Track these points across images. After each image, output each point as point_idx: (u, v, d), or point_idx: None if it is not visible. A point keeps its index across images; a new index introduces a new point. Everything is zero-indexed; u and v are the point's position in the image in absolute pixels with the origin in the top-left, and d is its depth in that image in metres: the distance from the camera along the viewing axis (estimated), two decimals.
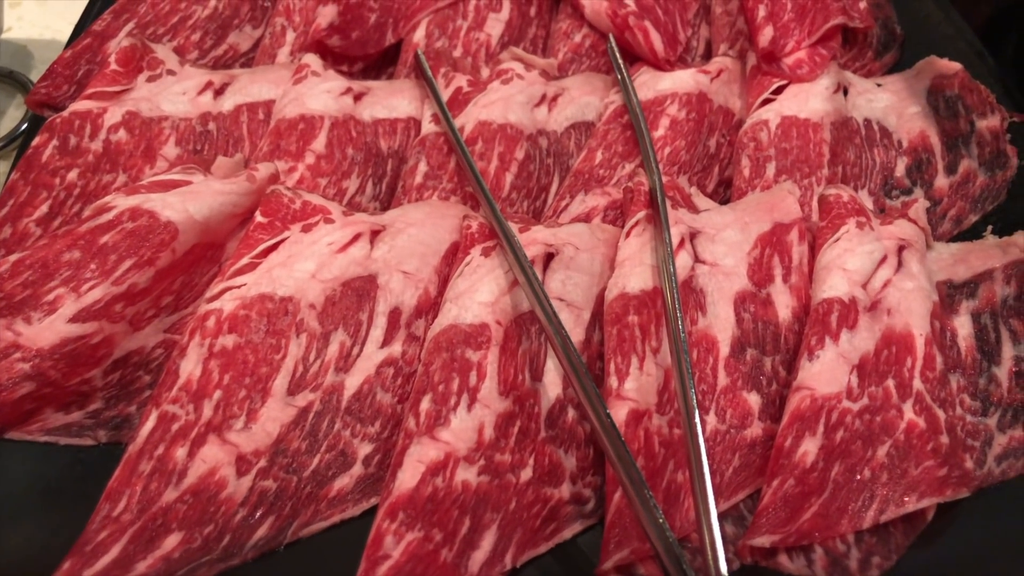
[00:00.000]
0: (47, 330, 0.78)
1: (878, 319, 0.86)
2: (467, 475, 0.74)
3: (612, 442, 0.70)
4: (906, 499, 0.75)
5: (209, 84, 1.09)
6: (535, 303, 0.82)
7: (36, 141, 0.96)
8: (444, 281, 0.91)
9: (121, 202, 0.86)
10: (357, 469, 0.79)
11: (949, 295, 0.93)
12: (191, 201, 0.87)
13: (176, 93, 1.07)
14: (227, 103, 1.08)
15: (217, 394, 0.79)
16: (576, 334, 0.87)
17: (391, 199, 1.04)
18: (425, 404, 0.77)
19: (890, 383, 0.82)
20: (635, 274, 0.87)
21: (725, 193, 1.08)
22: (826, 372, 0.80)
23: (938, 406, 0.82)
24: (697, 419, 0.72)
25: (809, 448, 0.76)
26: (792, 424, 0.78)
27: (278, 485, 0.77)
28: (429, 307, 0.89)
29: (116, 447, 0.80)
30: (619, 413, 0.77)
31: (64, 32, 1.33)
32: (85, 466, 0.79)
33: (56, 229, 0.91)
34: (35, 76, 1.25)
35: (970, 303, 0.92)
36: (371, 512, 0.76)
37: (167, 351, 0.86)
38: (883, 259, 0.90)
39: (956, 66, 1.13)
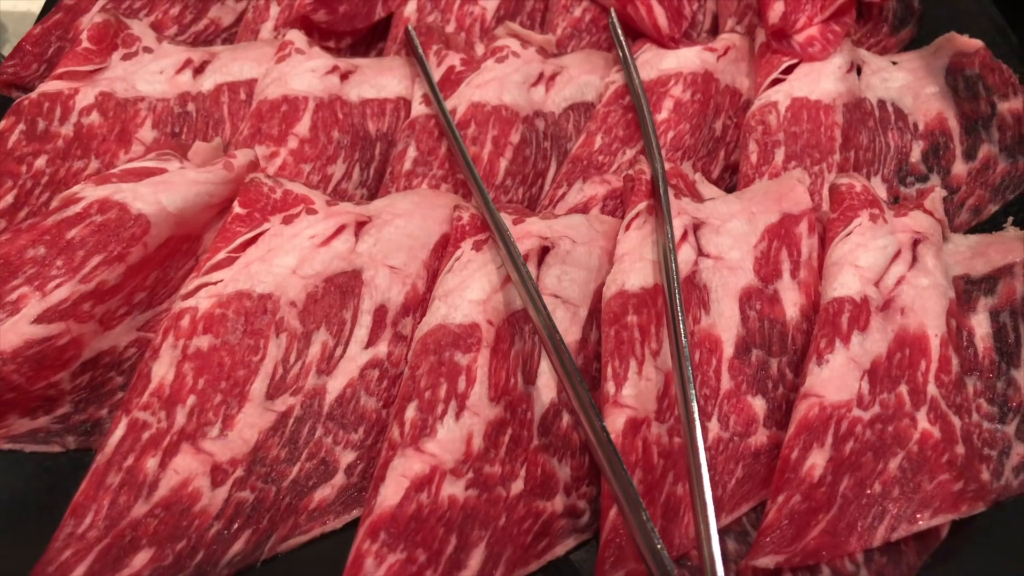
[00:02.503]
0: (10, 332, 0.73)
1: (891, 319, 0.81)
2: (454, 489, 0.70)
3: (608, 457, 0.66)
4: (919, 516, 0.71)
5: (188, 62, 1.03)
6: (528, 304, 0.77)
7: (1, 125, 0.91)
8: (433, 276, 0.86)
9: (90, 193, 0.81)
10: (339, 479, 0.75)
11: (966, 291, 0.88)
12: (164, 192, 0.82)
13: (153, 72, 1.01)
14: (207, 82, 1.02)
15: (191, 399, 0.75)
16: (572, 333, 0.82)
17: (379, 185, 0.99)
18: (410, 412, 0.72)
19: (903, 389, 0.77)
20: (635, 270, 0.82)
21: (731, 179, 1.02)
22: (836, 378, 0.76)
23: (953, 413, 0.78)
24: (699, 432, 0.67)
25: (817, 461, 0.72)
26: (799, 434, 0.73)
27: (255, 496, 0.73)
28: (417, 304, 0.84)
29: (86, 454, 0.76)
30: (616, 422, 0.73)
31: (37, 3, 1.27)
32: (52, 475, 0.75)
33: (21, 221, 0.87)
34: (7, 51, 1.20)
35: (988, 300, 0.87)
36: (353, 525, 0.72)
37: (140, 350, 0.82)
38: (897, 254, 0.85)
39: (977, 43, 1.07)
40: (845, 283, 0.82)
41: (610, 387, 0.75)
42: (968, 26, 1.09)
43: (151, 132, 0.98)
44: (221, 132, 1.00)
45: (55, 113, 0.93)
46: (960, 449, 0.75)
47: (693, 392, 0.70)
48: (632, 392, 0.75)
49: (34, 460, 0.75)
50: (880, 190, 0.99)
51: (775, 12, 1.05)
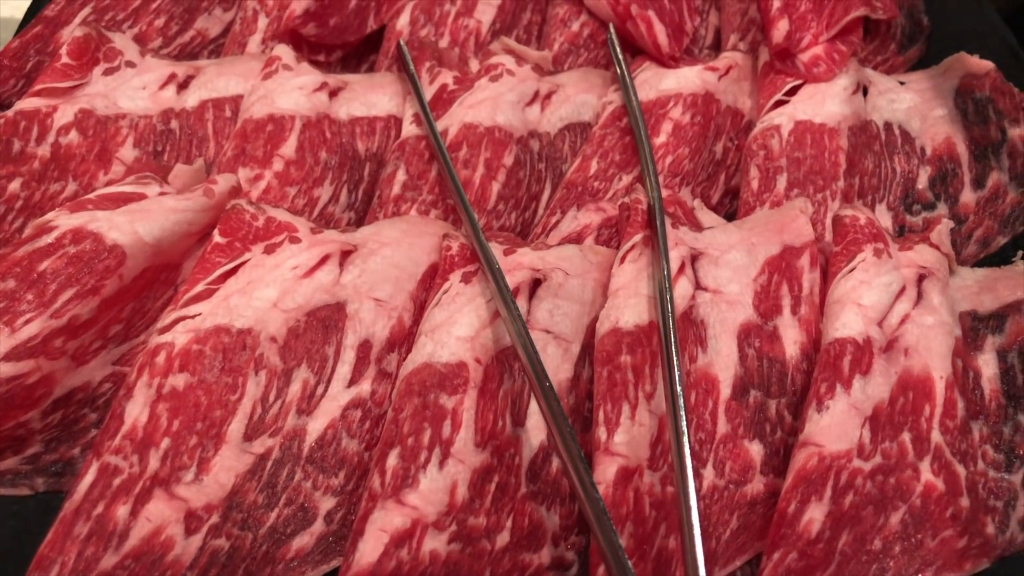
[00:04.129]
0: None
1: (894, 361, 0.78)
2: (436, 544, 0.67)
3: (596, 514, 0.62)
4: (920, 575, 0.68)
5: (172, 77, 1.00)
6: (518, 346, 0.74)
7: None
8: (420, 308, 0.83)
9: (64, 221, 0.78)
10: (318, 526, 0.72)
11: (973, 328, 0.85)
12: (141, 221, 0.79)
13: (135, 88, 0.98)
14: (191, 99, 0.99)
15: (165, 442, 0.72)
16: (563, 371, 0.79)
17: (367, 207, 0.96)
18: (392, 460, 0.69)
19: (906, 437, 0.74)
20: (629, 306, 0.79)
21: (732, 204, 0.99)
22: (836, 426, 0.73)
23: (958, 461, 0.75)
24: (691, 487, 0.64)
25: (815, 515, 0.69)
26: (797, 486, 0.70)
27: (231, 544, 0.70)
28: (403, 339, 0.81)
29: (55, 496, 0.73)
30: (607, 471, 0.70)
31: (21, 8, 1.23)
32: (19, 520, 0.72)
33: None
34: None
35: (996, 339, 0.84)
36: (332, 575, 0.70)
37: (115, 385, 0.79)
38: (901, 291, 0.82)
39: (988, 65, 1.03)
40: (847, 323, 0.79)
41: (602, 433, 0.72)
42: (979, 46, 1.06)
43: (132, 151, 0.94)
44: (205, 150, 0.97)
45: (32, 132, 0.90)
46: (964, 502, 0.72)
47: (687, 447, 0.67)
48: (624, 439, 0.72)
49: (1, 504, 0.73)
50: (885, 218, 0.96)
51: (779, 31, 1.01)
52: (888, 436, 0.74)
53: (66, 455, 0.76)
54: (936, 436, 0.75)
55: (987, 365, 0.83)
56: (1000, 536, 0.73)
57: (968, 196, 0.97)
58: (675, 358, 0.72)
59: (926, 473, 0.73)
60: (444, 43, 1.10)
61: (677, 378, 0.71)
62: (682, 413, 0.69)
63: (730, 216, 0.97)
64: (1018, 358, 0.82)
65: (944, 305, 0.83)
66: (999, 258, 0.93)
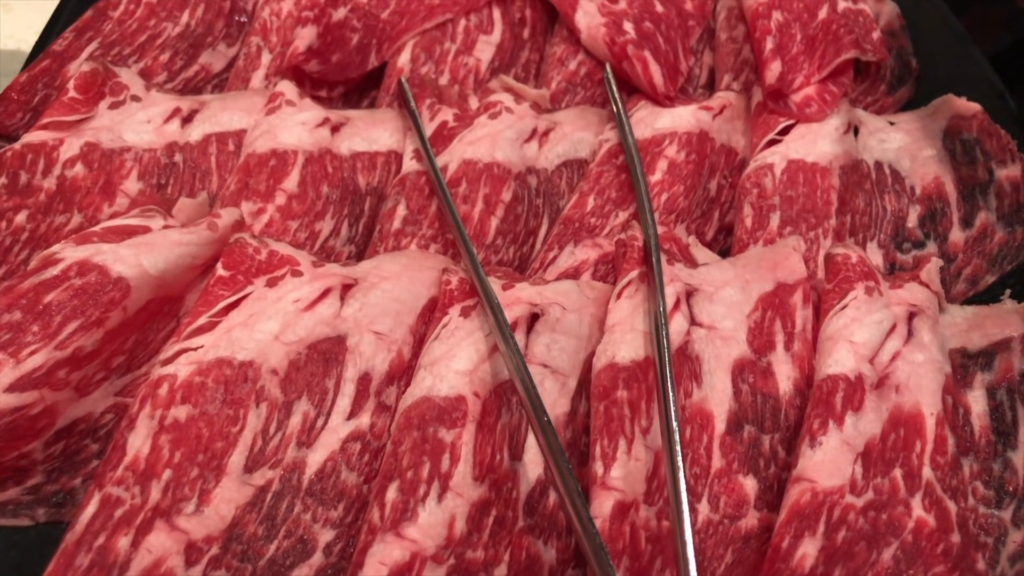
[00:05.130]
0: None
1: (886, 397, 0.80)
2: None
3: (593, 549, 0.63)
4: None
5: (176, 111, 1.02)
6: (516, 381, 0.75)
7: None
8: (420, 341, 0.84)
9: (70, 254, 0.79)
10: (317, 559, 0.72)
11: (963, 366, 0.86)
12: (146, 254, 0.80)
13: (140, 122, 0.99)
14: (195, 133, 1.01)
15: (167, 474, 0.72)
16: (560, 405, 0.81)
17: (368, 240, 0.97)
18: (391, 494, 0.70)
19: (897, 473, 0.76)
20: (625, 342, 0.81)
21: (726, 240, 1.01)
22: (828, 462, 0.74)
23: (949, 497, 0.76)
24: (687, 524, 0.66)
25: (808, 550, 0.70)
26: (790, 521, 0.71)
27: (231, 575, 0.71)
28: (402, 372, 0.82)
29: (56, 527, 0.74)
30: (604, 506, 0.71)
31: (28, 42, 1.24)
32: (20, 550, 0.73)
33: None
34: None
35: (985, 376, 0.85)
36: None
37: (118, 416, 0.80)
38: (892, 328, 0.84)
39: (975, 107, 1.06)
40: (839, 360, 0.80)
41: (598, 468, 0.73)
42: (966, 88, 1.08)
43: (136, 184, 0.96)
44: (208, 184, 0.98)
45: (38, 165, 0.91)
46: (955, 538, 0.73)
47: (683, 482, 0.68)
48: (621, 474, 0.73)
49: (2, 534, 0.73)
50: (876, 256, 0.98)
51: (772, 72, 1.04)
52: (880, 472, 0.75)
53: (67, 485, 0.76)
54: (927, 472, 0.77)
55: (976, 402, 0.84)
56: (990, 572, 0.74)
57: (957, 235, 0.99)
58: (671, 394, 0.74)
59: (917, 509, 0.74)
60: (444, 80, 1.12)
61: (673, 414, 0.72)
62: (678, 448, 0.70)
63: (724, 253, 0.99)
64: (1007, 395, 0.84)
65: (934, 342, 0.84)
66: (987, 296, 0.94)
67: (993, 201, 1.00)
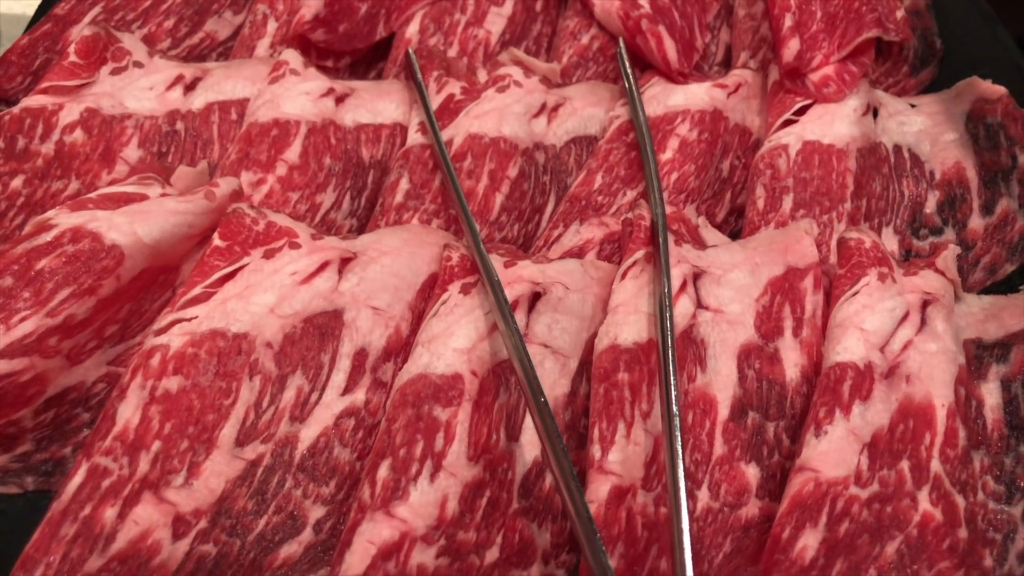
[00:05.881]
0: None
1: (895, 387, 0.77)
2: (424, 558, 0.66)
3: (587, 534, 0.62)
4: None
5: (179, 78, 1.00)
6: (514, 360, 0.73)
7: None
8: (419, 317, 0.83)
9: (64, 220, 0.78)
10: (307, 535, 0.71)
11: (977, 356, 0.84)
12: (141, 222, 0.79)
13: (142, 88, 0.98)
14: (197, 100, 0.99)
15: (156, 445, 0.71)
16: (560, 386, 0.79)
17: (370, 214, 0.95)
18: (383, 471, 0.69)
19: (904, 465, 0.73)
20: (629, 323, 0.79)
21: (737, 222, 0.99)
22: (834, 452, 0.72)
23: (958, 491, 0.73)
24: (684, 512, 0.64)
25: (809, 542, 0.68)
26: (792, 512, 0.69)
27: (219, 550, 0.70)
28: (400, 348, 0.80)
29: (45, 496, 0.72)
30: (600, 490, 0.69)
31: (33, 6, 1.23)
32: (7, 519, 0.72)
33: None
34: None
35: (1000, 368, 0.83)
36: None
37: (110, 386, 0.79)
38: (905, 316, 0.81)
39: (1000, 90, 1.02)
40: (848, 347, 0.78)
41: (596, 451, 0.71)
42: (992, 71, 1.04)
43: (137, 151, 0.94)
44: (209, 153, 0.97)
45: (36, 130, 0.90)
46: (963, 533, 0.71)
47: (681, 468, 0.66)
48: (618, 458, 0.71)
49: None
50: (892, 242, 0.95)
51: (790, 50, 1.00)
52: (886, 464, 0.73)
53: (57, 454, 0.75)
54: (936, 465, 0.74)
55: (990, 394, 0.81)
56: (998, 569, 0.71)
57: (976, 222, 0.96)
58: (672, 377, 0.72)
59: (924, 503, 0.72)
60: (453, 52, 1.09)
61: (674, 398, 0.70)
62: (678, 434, 0.68)
63: (735, 235, 0.96)
64: (1022, 388, 0.81)
65: (948, 332, 0.82)
66: (1006, 286, 0.92)
67: (1016, 188, 0.96)
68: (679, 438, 0.68)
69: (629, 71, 1.02)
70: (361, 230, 0.94)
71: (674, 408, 0.70)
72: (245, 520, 0.71)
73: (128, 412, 0.72)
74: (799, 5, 1.05)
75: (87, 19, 1.03)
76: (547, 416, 0.68)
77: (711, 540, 0.72)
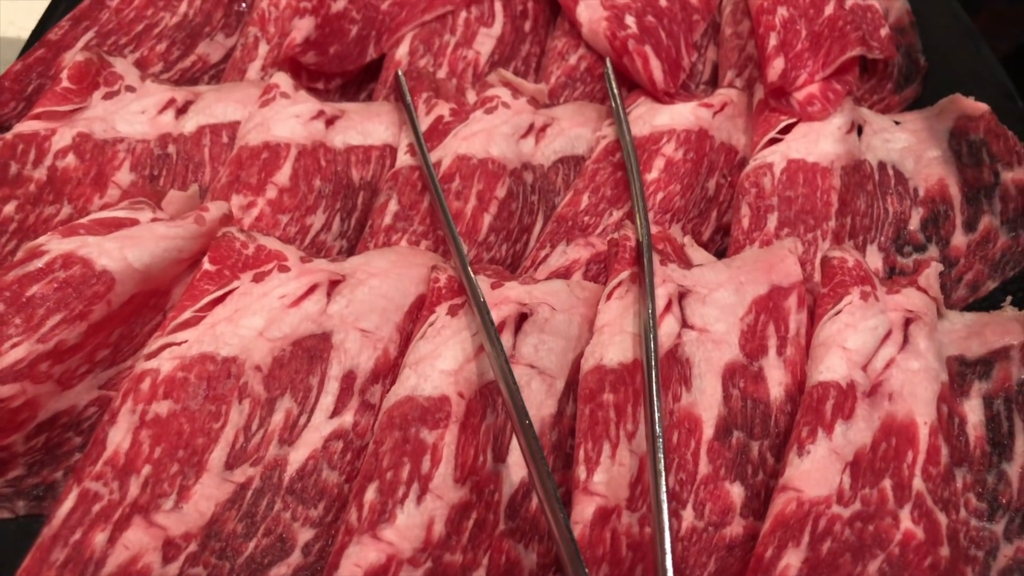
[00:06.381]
0: None
1: (878, 405, 0.78)
2: None
3: (570, 557, 0.62)
4: None
5: (171, 102, 1.01)
6: (500, 381, 0.74)
7: None
8: (407, 339, 0.83)
9: (55, 246, 0.79)
10: (296, 558, 0.72)
11: (960, 373, 0.84)
12: (131, 247, 0.80)
13: (134, 112, 0.99)
14: (189, 124, 1.00)
15: (146, 469, 0.72)
16: (547, 407, 0.80)
17: (359, 235, 0.96)
18: (370, 494, 0.70)
19: (887, 483, 0.74)
20: (614, 343, 0.79)
21: (723, 241, 0.99)
22: (816, 471, 0.73)
23: (940, 509, 0.74)
24: (667, 531, 0.64)
25: (791, 561, 0.69)
26: (775, 531, 0.70)
27: (208, 573, 0.70)
28: (388, 370, 0.81)
29: (37, 520, 0.73)
30: (585, 511, 0.70)
31: (28, 29, 1.24)
32: None
33: None
34: None
35: (982, 385, 0.84)
36: None
37: (101, 409, 0.79)
38: (887, 335, 0.82)
39: (983, 107, 1.03)
40: (831, 366, 0.79)
41: (581, 472, 0.72)
42: (975, 88, 1.06)
43: (128, 175, 0.95)
44: (201, 176, 0.98)
45: (29, 156, 0.91)
46: (944, 551, 0.72)
47: (664, 489, 0.67)
48: (603, 479, 0.72)
49: None
50: (876, 259, 0.96)
51: (774, 69, 1.02)
52: (869, 482, 0.74)
53: (48, 478, 0.76)
54: (918, 483, 0.75)
55: (973, 411, 0.82)
56: None
57: (959, 239, 0.97)
58: (656, 398, 0.73)
59: (906, 521, 0.72)
60: (442, 73, 1.10)
61: (657, 419, 0.71)
62: (661, 455, 0.69)
63: (721, 253, 0.97)
64: (1004, 405, 0.82)
65: (930, 350, 0.83)
66: (988, 303, 0.92)
67: (998, 205, 0.97)
68: (662, 459, 0.69)
69: (616, 91, 1.04)
70: (351, 251, 0.95)
71: (658, 429, 0.71)
72: (235, 543, 0.72)
73: (118, 436, 0.73)
74: (784, 24, 1.06)
75: (80, 44, 1.04)
76: (532, 439, 0.69)
77: (695, 560, 0.73)
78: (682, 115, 1.02)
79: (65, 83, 0.96)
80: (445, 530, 0.70)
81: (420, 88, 1.04)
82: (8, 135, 0.91)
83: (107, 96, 0.99)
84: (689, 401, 0.80)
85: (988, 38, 1.23)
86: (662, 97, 1.04)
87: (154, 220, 0.85)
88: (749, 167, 0.98)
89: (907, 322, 0.84)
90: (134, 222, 0.84)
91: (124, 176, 0.95)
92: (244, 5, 1.16)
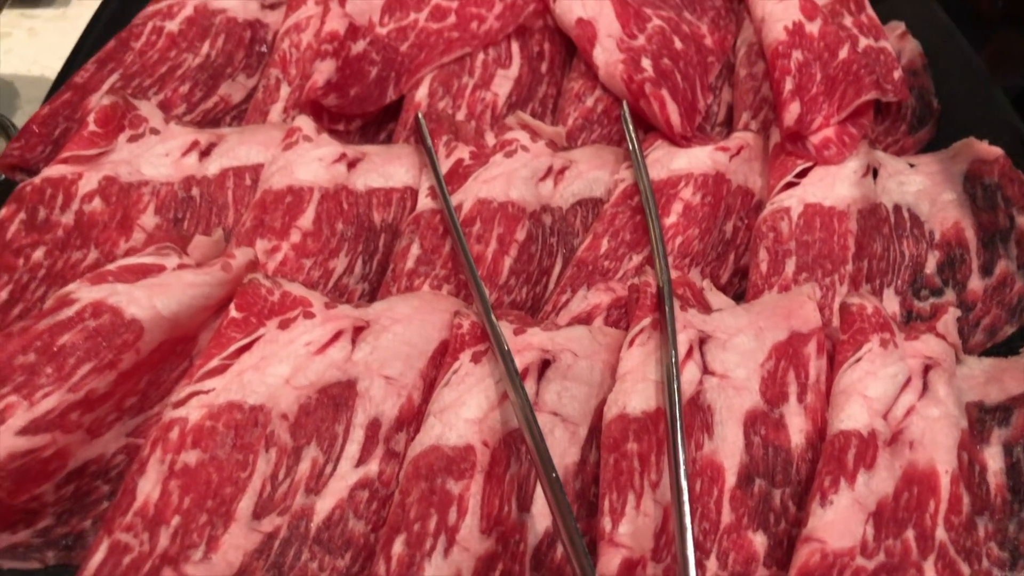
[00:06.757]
0: None
1: (899, 454, 0.79)
2: None
3: None
4: None
5: (195, 144, 1.02)
6: (525, 432, 0.75)
7: (2, 213, 0.90)
8: (430, 385, 0.84)
9: (84, 294, 0.80)
10: None
11: (980, 420, 0.85)
12: (159, 295, 0.81)
13: (159, 155, 1.00)
14: (212, 166, 1.01)
15: (176, 520, 0.73)
16: (570, 455, 0.80)
17: (381, 277, 0.97)
18: (398, 547, 0.70)
19: (910, 534, 0.75)
20: (637, 391, 0.80)
21: (741, 283, 1.00)
22: (839, 522, 0.73)
23: (962, 559, 0.75)
24: None
25: None
26: None
27: None
28: (412, 417, 0.82)
29: (66, 570, 0.74)
30: (611, 563, 0.70)
31: (54, 68, 1.26)
32: None
33: (15, 318, 0.86)
34: (19, 118, 1.20)
35: (1002, 432, 0.84)
36: None
37: (129, 457, 0.80)
38: (907, 382, 0.83)
39: (997, 151, 1.05)
40: (852, 415, 0.79)
41: (607, 523, 0.73)
42: (988, 131, 1.07)
43: (153, 218, 0.97)
44: (224, 218, 0.99)
45: (57, 200, 0.92)
46: None
47: (690, 541, 0.67)
48: (629, 530, 0.72)
49: None
50: (893, 303, 0.97)
51: (791, 114, 1.03)
52: (892, 533, 0.74)
53: (77, 527, 0.77)
54: (941, 533, 0.76)
55: (993, 459, 0.83)
56: None
57: (976, 283, 0.98)
58: (680, 450, 0.73)
59: (930, 572, 0.73)
60: (461, 115, 1.12)
61: (683, 472, 0.72)
62: (687, 508, 0.70)
63: (739, 296, 0.98)
64: None
65: (950, 396, 0.83)
66: (1006, 347, 0.93)
67: (1014, 249, 0.98)
68: (688, 512, 0.69)
69: (633, 134, 1.05)
70: (373, 294, 0.96)
71: (682, 480, 0.71)
72: None
73: (148, 486, 0.74)
74: (799, 68, 1.08)
75: (105, 87, 1.06)
76: (559, 492, 0.69)
77: None
78: (699, 159, 1.03)
79: (92, 127, 0.97)
80: None
81: (440, 131, 1.06)
82: (36, 180, 0.93)
83: (132, 139, 1.00)
84: (711, 449, 0.80)
85: (994, 73, 1.24)
86: (679, 140, 1.06)
87: (181, 267, 0.86)
88: (766, 211, 0.99)
89: (926, 369, 0.84)
90: (161, 268, 0.85)
91: (149, 219, 0.96)
92: (264, 47, 1.18)
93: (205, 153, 1.02)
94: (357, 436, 0.80)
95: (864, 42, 1.18)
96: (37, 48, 1.31)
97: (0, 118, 1.17)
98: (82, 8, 1.38)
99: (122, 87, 1.07)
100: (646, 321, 0.85)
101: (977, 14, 1.54)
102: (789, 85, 1.06)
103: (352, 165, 1.03)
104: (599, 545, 0.72)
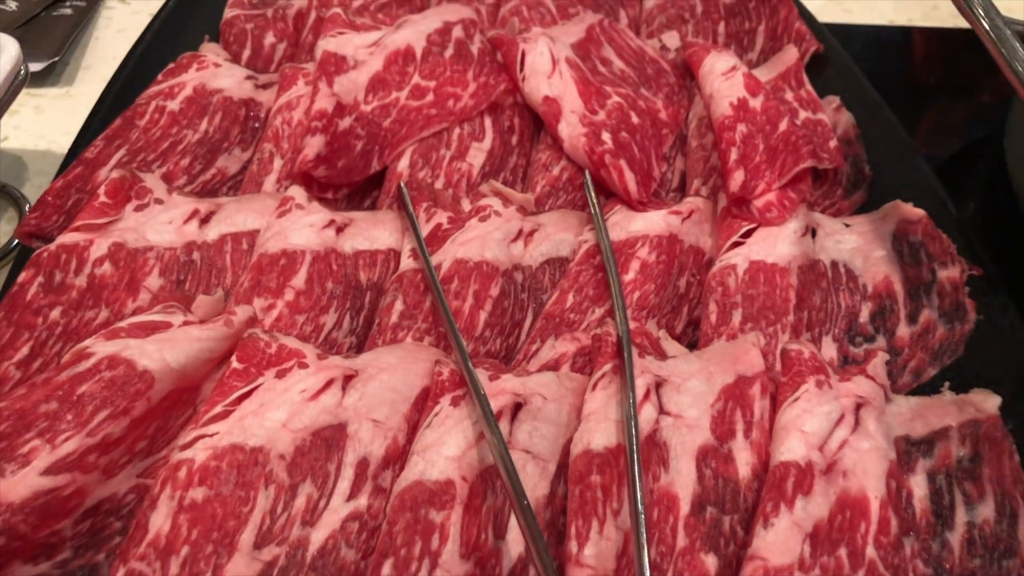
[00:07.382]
0: (19, 484, 0.79)
1: (834, 482, 0.88)
2: None
3: None
4: None
5: (195, 212, 1.12)
6: (500, 466, 0.83)
7: (22, 277, 0.99)
8: (413, 428, 0.93)
9: (100, 348, 0.89)
10: None
11: (907, 452, 0.95)
12: (169, 349, 0.90)
13: (162, 223, 1.10)
14: (212, 232, 1.11)
15: (185, 550, 0.80)
16: (541, 488, 0.89)
17: (367, 331, 1.06)
18: (386, 570, 0.78)
19: (842, 552, 0.84)
20: (600, 430, 0.89)
21: (694, 333, 1.11)
22: (780, 542, 0.82)
23: (891, 574, 0.84)
24: None
25: None
26: None
27: None
28: (397, 456, 0.91)
29: None
30: None
31: (59, 143, 1.37)
32: None
33: (35, 372, 0.94)
34: (28, 189, 1.29)
35: (926, 462, 0.94)
36: None
37: (139, 496, 0.88)
38: (840, 418, 0.93)
39: (920, 212, 1.17)
40: (791, 448, 0.89)
41: (573, 546, 0.81)
42: (913, 195, 1.19)
43: (158, 280, 1.06)
44: (223, 280, 1.08)
45: (71, 265, 1.01)
46: None
47: (647, 560, 0.76)
48: (593, 552, 0.81)
49: None
50: (831, 349, 1.08)
51: (736, 181, 1.15)
52: (827, 551, 0.83)
53: (92, 560, 0.84)
54: (871, 551, 0.85)
55: (919, 486, 0.93)
56: None
57: (903, 331, 1.08)
58: (638, 479, 0.82)
59: None
60: (440, 184, 1.23)
61: (639, 498, 0.81)
62: (643, 530, 0.78)
63: (692, 344, 1.08)
64: (945, 480, 0.92)
65: (879, 431, 0.93)
66: (930, 387, 1.03)
67: (936, 300, 1.10)
68: (644, 534, 0.78)
69: (595, 200, 1.16)
70: (360, 347, 1.05)
71: (640, 507, 0.80)
72: None
73: (159, 520, 0.82)
74: (744, 140, 1.20)
75: (113, 161, 1.15)
76: (530, 518, 0.78)
77: None
78: (654, 222, 1.15)
79: (102, 198, 1.07)
80: None
81: (420, 198, 1.16)
82: (52, 246, 1.02)
83: (138, 208, 1.10)
84: (667, 481, 0.89)
85: (931, 140, 1.38)
86: (636, 206, 1.17)
87: (186, 323, 0.95)
88: (715, 268, 1.10)
89: (858, 407, 0.94)
90: (168, 325, 0.94)
91: (154, 281, 1.05)
92: (258, 123, 1.29)
93: (205, 220, 1.12)
94: (348, 474, 0.88)
95: (803, 115, 1.32)
96: (43, 124, 1.41)
97: (11, 190, 1.27)
98: (85, 87, 1.49)
99: (128, 161, 1.17)
100: (607, 367, 0.95)
101: (915, 86, 1.70)
102: (734, 155, 1.18)
103: (340, 230, 1.13)
104: (566, 566, 0.80)
